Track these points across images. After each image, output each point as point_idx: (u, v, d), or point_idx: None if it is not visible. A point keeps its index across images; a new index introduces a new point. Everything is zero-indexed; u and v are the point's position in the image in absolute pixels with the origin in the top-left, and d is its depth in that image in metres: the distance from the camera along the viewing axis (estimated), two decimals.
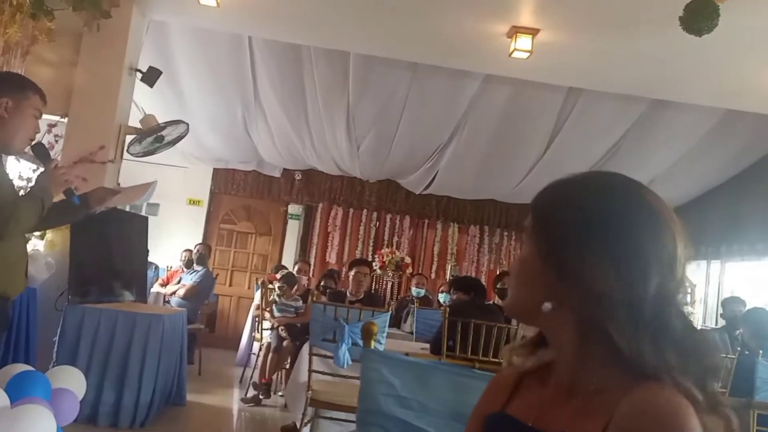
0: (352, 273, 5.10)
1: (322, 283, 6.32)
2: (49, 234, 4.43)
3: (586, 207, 0.85)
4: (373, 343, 1.35)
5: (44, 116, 4.47)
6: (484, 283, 5.31)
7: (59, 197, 2.31)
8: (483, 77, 5.97)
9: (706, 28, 3.11)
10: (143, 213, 7.88)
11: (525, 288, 0.89)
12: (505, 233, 8.93)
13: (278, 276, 6.08)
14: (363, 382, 1.25)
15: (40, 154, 2.31)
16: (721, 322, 5.93)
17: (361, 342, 3.45)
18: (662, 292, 0.80)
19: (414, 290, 7.04)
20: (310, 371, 3.48)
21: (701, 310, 7.60)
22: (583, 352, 0.83)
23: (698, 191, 7.69)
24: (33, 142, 2.27)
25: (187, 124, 4.90)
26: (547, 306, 0.84)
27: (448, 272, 8.61)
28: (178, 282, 6.99)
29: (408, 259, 7.28)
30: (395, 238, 8.80)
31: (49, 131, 4.41)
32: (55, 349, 4.14)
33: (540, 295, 0.85)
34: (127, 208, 7.57)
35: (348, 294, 5.11)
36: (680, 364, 0.78)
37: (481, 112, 6.59)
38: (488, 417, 0.95)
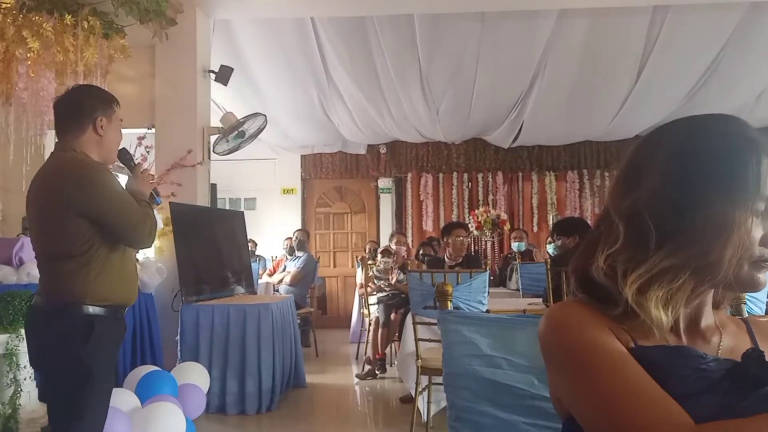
0: (448, 238, 5.01)
1: (420, 252, 6.28)
2: (156, 241, 4.65)
3: None
4: (449, 305, 1.28)
5: (133, 130, 4.74)
6: (589, 222, 5.01)
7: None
8: (556, 14, 5.63)
9: None
10: (242, 209, 8.19)
11: None
12: (606, 173, 8.47)
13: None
14: (444, 345, 1.18)
15: (125, 159, 2.32)
16: None
17: (462, 306, 3.38)
18: None
19: (514, 245, 6.85)
20: (417, 340, 3.46)
21: None
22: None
23: None
24: None
25: (265, 116, 4.98)
26: None
27: (551, 223, 8.31)
28: (283, 270, 7.21)
29: (504, 216, 7.09)
30: (490, 197, 8.62)
31: (139, 144, 4.59)
32: (179, 347, 4.38)
33: None
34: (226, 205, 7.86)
35: (446, 259, 5.04)
36: None
37: (560, 51, 6.24)
38: (640, 348, 0.79)
